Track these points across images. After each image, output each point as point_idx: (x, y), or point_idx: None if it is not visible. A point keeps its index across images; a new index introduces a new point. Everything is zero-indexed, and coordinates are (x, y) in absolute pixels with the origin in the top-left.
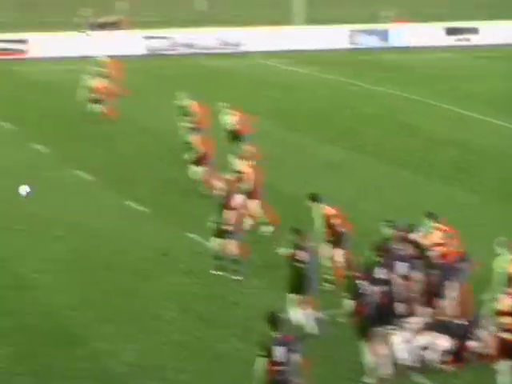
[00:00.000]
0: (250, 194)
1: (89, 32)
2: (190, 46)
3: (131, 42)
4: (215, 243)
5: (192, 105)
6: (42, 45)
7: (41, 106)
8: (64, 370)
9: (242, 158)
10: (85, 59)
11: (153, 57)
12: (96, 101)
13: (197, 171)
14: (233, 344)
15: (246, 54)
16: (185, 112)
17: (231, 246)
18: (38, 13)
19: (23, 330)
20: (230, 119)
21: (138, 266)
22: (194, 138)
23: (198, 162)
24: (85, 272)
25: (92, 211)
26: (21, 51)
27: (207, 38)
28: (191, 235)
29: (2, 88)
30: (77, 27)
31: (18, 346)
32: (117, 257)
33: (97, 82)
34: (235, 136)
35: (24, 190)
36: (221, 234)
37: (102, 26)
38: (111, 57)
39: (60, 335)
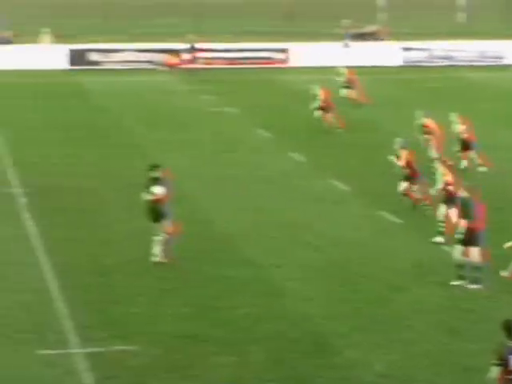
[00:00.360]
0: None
1: (348, 42)
2: (448, 58)
3: (389, 53)
4: (457, 252)
5: (427, 122)
6: (302, 54)
7: (299, 115)
8: (313, 378)
9: (446, 166)
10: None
11: (409, 68)
12: (326, 109)
13: (403, 185)
14: (482, 358)
15: (507, 67)
16: (424, 131)
17: (473, 253)
18: (299, 22)
19: (273, 336)
20: (460, 128)
21: (389, 276)
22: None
23: (407, 177)
24: (336, 281)
25: (345, 220)
26: (282, 60)
27: (466, 50)
28: (444, 247)
29: (263, 96)
30: (337, 37)
31: (268, 352)
32: (369, 267)
33: (344, 92)
34: (464, 145)
35: (153, 191)
36: (464, 242)
37: (361, 37)
38: (368, 67)
39: (309, 343)
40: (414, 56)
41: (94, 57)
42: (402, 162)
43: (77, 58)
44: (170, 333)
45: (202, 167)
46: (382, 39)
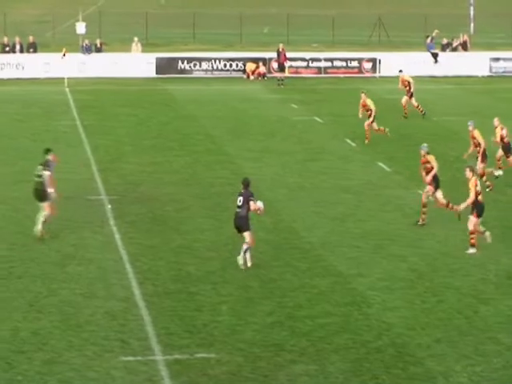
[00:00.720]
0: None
1: (436, 52)
2: None
3: (476, 63)
4: None
5: (473, 132)
6: (391, 64)
7: (386, 125)
8: None
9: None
10: (433, 78)
11: (497, 78)
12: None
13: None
14: None
15: None
16: (473, 142)
17: None
18: (389, 32)
19: (355, 346)
20: (499, 132)
21: (475, 287)
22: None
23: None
24: (420, 291)
25: (431, 231)
26: (371, 70)
27: None
28: None
29: (351, 106)
30: (426, 47)
31: (349, 362)
32: (454, 277)
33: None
34: (505, 149)
35: (260, 204)
36: None
37: (449, 47)
38: (455, 77)
39: (391, 353)
40: (502, 66)
41: (182, 65)
42: (435, 167)
43: (165, 66)
44: (252, 341)
45: (288, 176)
46: (467, 49)
